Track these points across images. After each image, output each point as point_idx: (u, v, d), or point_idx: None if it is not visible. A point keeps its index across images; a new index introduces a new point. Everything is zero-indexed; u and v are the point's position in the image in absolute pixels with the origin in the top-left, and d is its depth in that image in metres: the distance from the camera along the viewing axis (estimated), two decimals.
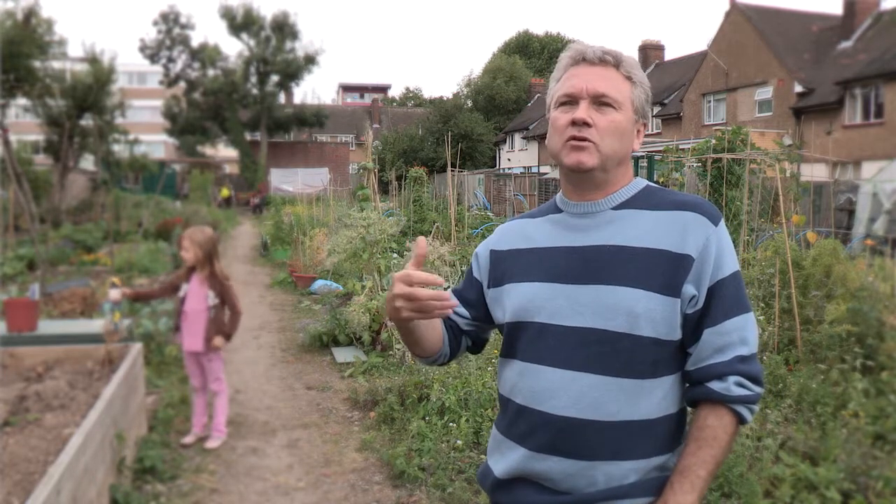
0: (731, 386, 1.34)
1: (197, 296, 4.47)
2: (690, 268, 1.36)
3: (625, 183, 1.48)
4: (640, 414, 1.36)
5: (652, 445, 1.38)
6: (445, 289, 1.45)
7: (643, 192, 1.47)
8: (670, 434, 1.41)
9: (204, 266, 4.47)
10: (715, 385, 1.35)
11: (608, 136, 1.40)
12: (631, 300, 1.34)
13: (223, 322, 4.51)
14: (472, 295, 1.61)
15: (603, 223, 1.44)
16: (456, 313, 1.62)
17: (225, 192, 36.85)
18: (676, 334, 1.37)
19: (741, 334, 1.36)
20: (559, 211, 1.52)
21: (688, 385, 1.41)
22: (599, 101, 1.40)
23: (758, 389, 1.36)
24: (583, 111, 1.40)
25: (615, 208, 1.45)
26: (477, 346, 1.68)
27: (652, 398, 1.37)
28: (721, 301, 1.36)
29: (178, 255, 4.55)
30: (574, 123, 1.40)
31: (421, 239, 1.37)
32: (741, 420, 1.36)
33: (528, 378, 1.43)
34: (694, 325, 1.37)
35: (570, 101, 1.43)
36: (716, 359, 1.36)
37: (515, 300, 1.47)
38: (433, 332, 1.53)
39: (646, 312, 1.34)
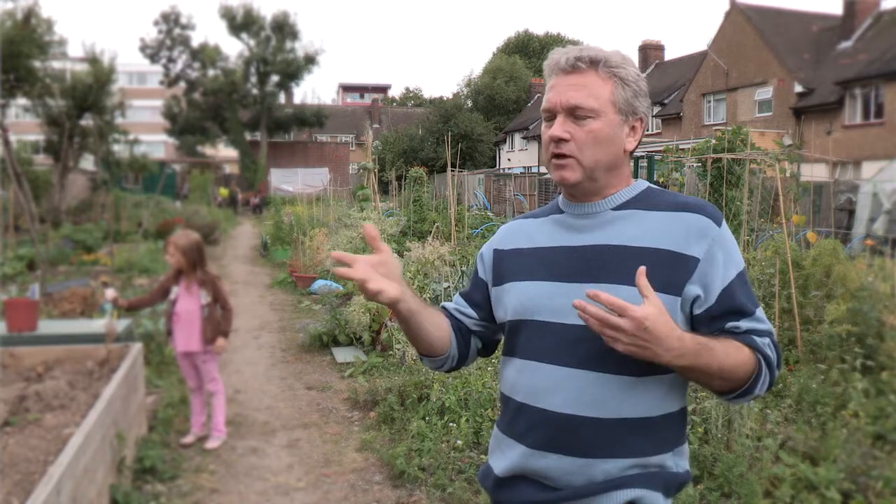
0: (766, 346, 1.37)
1: (188, 297, 4.47)
2: (695, 269, 1.36)
3: (623, 184, 1.48)
4: (639, 412, 1.36)
5: (651, 444, 1.38)
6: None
7: (644, 194, 1.48)
8: (671, 433, 1.41)
9: (190, 271, 4.46)
10: (755, 337, 1.36)
11: (588, 148, 1.40)
12: (631, 298, 1.34)
13: (218, 321, 4.51)
14: (478, 296, 1.62)
15: (604, 223, 1.44)
16: (463, 314, 1.63)
17: (223, 191, 36.18)
18: None
19: (766, 323, 1.41)
20: (561, 212, 1.53)
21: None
22: (574, 114, 1.40)
23: (777, 372, 1.39)
24: (558, 127, 1.40)
25: (615, 209, 1.45)
26: (487, 349, 1.68)
27: (652, 396, 1.37)
28: (743, 296, 1.38)
29: (164, 259, 4.53)
30: (553, 140, 1.41)
31: (367, 225, 1.41)
32: (754, 381, 1.35)
33: (527, 375, 1.44)
34: (708, 322, 1.38)
35: (550, 115, 1.43)
36: (754, 328, 1.38)
37: (516, 298, 1.48)
38: (437, 327, 1.53)
39: None
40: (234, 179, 41.79)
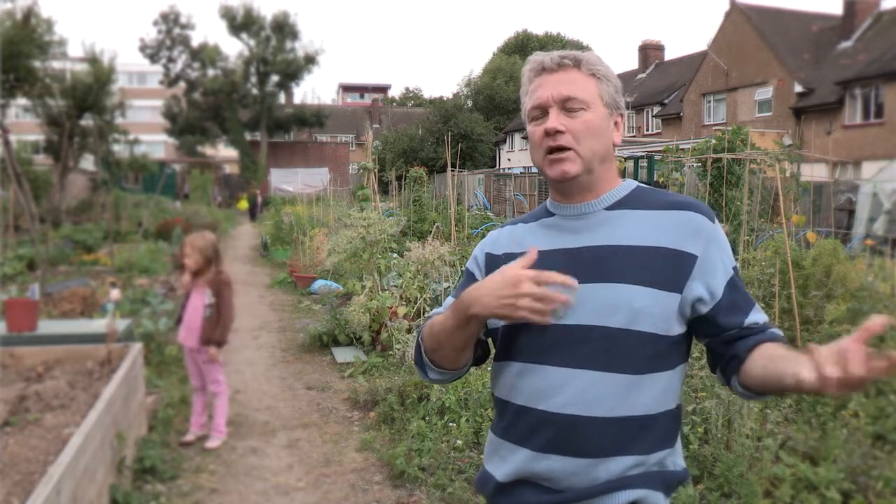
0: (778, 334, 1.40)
1: (199, 294, 4.58)
2: (693, 266, 1.37)
3: (613, 183, 1.49)
4: (639, 409, 1.37)
5: (652, 441, 1.38)
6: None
7: (635, 193, 1.49)
8: (670, 429, 1.42)
9: (205, 270, 4.56)
10: (775, 331, 1.40)
11: (585, 138, 1.41)
12: (630, 296, 1.35)
13: (215, 327, 4.54)
14: None
15: (596, 224, 1.45)
16: None
17: (242, 203, 34.45)
18: (674, 329, 1.38)
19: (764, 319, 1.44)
20: (550, 214, 1.52)
21: (729, 343, 1.41)
22: (568, 107, 1.41)
23: None
24: (553, 120, 1.41)
25: (608, 209, 1.46)
26: (487, 355, 1.65)
27: (651, 393, 1.38)
28: (741, 293, 1.42)
29: (179, 260, 4.57)
30: (548, 134, 1.41)
31: (532, 248, 1.35)
32: None
33: (528, 377, 1.43)
34: (718, 318, 1.39)
35: (541, 112, 1.44)
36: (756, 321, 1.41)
37: None
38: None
39: (645, 308, 1.35)
40: (252, 184, 39.85)
